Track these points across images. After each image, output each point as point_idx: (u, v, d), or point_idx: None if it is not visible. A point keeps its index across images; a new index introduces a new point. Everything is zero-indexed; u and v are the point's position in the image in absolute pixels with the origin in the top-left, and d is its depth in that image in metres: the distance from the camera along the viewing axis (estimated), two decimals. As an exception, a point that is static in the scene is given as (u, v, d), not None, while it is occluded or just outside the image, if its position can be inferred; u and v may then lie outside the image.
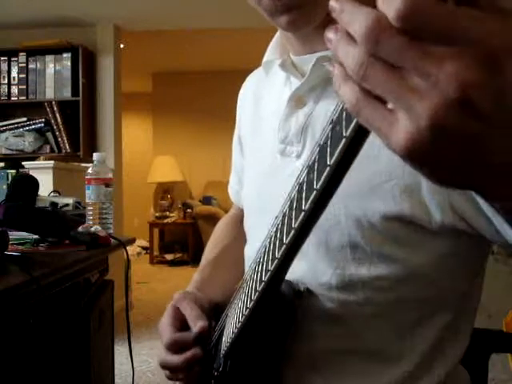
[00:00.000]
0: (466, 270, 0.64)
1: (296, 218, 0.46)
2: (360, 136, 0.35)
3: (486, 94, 0.27)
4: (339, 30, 0.31)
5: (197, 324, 0.69)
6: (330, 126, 0.39)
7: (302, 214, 0.44)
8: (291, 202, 0.48)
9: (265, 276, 0.52)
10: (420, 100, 0.28)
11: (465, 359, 0.70)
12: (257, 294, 0.53)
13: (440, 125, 0.27)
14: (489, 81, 0.27)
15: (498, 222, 0.52)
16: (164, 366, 0.73)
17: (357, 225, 0.61)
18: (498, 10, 0.27)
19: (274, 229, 0.50)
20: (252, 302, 0.55)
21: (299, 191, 0.45)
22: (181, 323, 0.73)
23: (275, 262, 0.49)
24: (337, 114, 0.38)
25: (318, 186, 0.40)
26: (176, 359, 0.70)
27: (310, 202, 0.42)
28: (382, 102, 0.30)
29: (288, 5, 0.61)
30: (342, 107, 0.36)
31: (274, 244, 0.49)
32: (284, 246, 0.46)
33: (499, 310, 2.36)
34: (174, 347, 0.71)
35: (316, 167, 0.41)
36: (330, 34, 0.31)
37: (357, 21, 0.29)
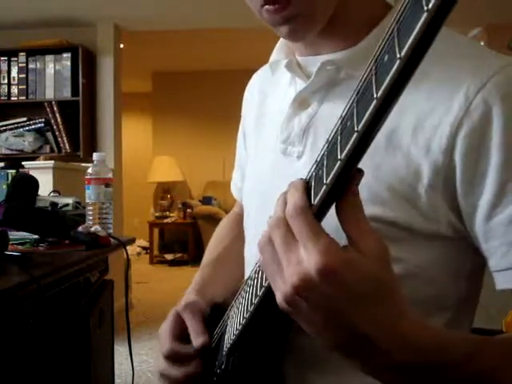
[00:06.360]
0: (464, 270, 0.64)
1: None
2: (370, 130, 0.37)
3: (310, 293, 0.42)
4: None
5: (198, 340, 0.69)
6: (340, 122, 0.40)
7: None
8: None
9: None
10: (282, 277, 0.44)
11: (465, 359, 0.70)
12: (263, 289, 0.53)
13: (288, 299, 0.44)
14: (313, 287, 0.41)
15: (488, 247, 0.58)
16: (164, 376, 0.72)
17: None
18: (357, 220, 0.43)
19: None
20: (257, 298, 0.55)
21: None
22: (182, 332, 0.73)
23: None
24: (346, 111, 0.40)
25: (328, 181, 0.41)
26: (177, 372, 0.70)
27: (319, 197, 0.42)
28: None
29: (286, 16, 0.61)
30: (351, 104, 0.38)
31: None
32: None
33: (499, 310, 2.34)
34: (174, 358, 0.71)
35: (325, 162, 0.42)
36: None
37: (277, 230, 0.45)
